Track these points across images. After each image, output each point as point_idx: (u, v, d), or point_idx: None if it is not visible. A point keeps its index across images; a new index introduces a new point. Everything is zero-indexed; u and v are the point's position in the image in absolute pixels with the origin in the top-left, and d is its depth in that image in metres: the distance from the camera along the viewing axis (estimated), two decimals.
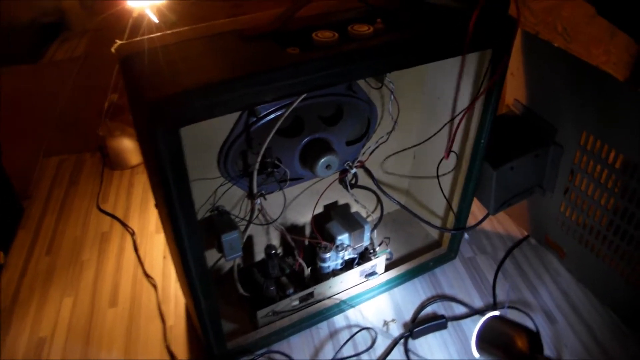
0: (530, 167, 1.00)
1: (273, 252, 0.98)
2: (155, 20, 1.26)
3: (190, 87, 0.61)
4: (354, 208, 1.13)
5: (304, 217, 1.07)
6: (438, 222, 1.10)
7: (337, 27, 0.76)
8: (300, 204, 1.05)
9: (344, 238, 1.00)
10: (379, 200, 1.12)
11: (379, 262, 1.02)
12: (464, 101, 0.94)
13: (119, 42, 0.77)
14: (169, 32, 0.77)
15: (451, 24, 0.77)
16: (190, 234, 0.73)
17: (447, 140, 1.01)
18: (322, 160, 0.89)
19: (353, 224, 1.01)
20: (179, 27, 0.80)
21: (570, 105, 0.95)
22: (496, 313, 0.84)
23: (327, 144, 0.92)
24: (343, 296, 1.01)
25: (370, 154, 1.02)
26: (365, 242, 1.04)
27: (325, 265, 0.98)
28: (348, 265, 1.02)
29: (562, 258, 1.12)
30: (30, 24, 2.26)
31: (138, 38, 0.77)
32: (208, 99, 0.62)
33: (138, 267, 1.14)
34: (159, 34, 0.78)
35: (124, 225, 1.25)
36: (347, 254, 1.00)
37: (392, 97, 0.92)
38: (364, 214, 1.14)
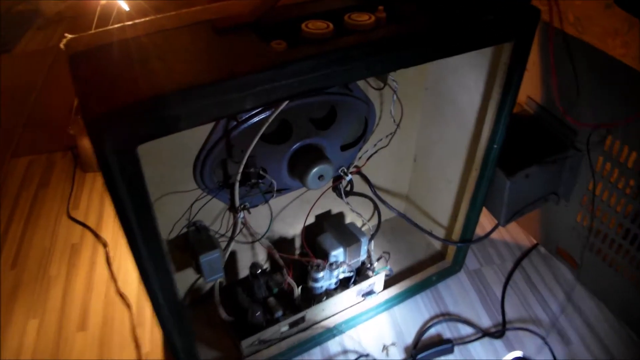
0: (547, 174, 0.87)
1: (259, 271, 0.85)
2: (126, 7, 1.10)
3: (145, 98, 0.47)
4: (349, 216, 0.99)
5: (293, 228, 0.94)
6: (441, 232, 0.97)
7: (331, 16, 0.61)
8: (289, 215, 0.91)
9: (338, 253, 0.86)
10: (376, 208, 0.99)
11: (377, 279, 0.89)
12: (474, 99, 0.80)
13: (68, 36, 0.62)
14: (128, 23, 0.62)
15: (466, 13, 0.63)
16: (158, 269, 0.59)
17: (451, 142, 0.87)
18: (314, 170, 0.74)
19: (348, 237, 0.88)
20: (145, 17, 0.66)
21: (593, 106, 0.82)
22: (518, 354, 0.71)
23: (319, 151, 0.77)
24: (338, 319, 0.88)
25: (368, 159, 0.88)
26: (362, 257, 0.90)
27: (318, 285, 0.85)
28: (343, 283, 0.89)
29: (574, 269, 0.99)
30: (6, 12, 2.08)
31: (91, 32, 0.62)
32: (168, 112, 0.48)
33: (111, 284, 1.00)
34: (116, 25, 0.63)
35: (96, 236, 1.10)
36: (342, 272, 0.87)
37: (395, 96, 0.77)
38: (359, 223, 1.01)
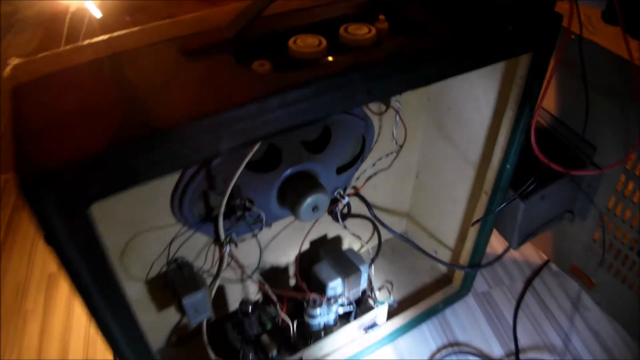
0: (563, 192, 0.77)
1: (250, 308, 0.74)
2: (98, 14, 0.98)
3: (95, 150, 0.36)
4: (346, 239, 0.89)
5: (286, 256, 0.83)
6: (447, 254, 0.87)
7: (324, 28, 0.50)
8: (281, 243, 0.80)
9: (336, 284, 0.76)
10: (376, 228, 0.88)
11: (380, 311, 0.79)
12: (483, 114, 0.69)
13: (15, 60, 0.51)
14: (84, 43, 0.51)
15: (481, 22, 0.52)
16: (126, 336, 0.48)
17: (457, 160, 0.77)
18: (307, 202, 0.64)
19: (347, 265, 0.77)
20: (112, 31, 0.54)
21: (615, 119, 0.71)
22: None
23: (312, 179, 0.67)
24: (338, 357, 0.78)
25: (367, 180, 0.78)
26: (362, 286, 0.80)
27: (315, 322, 0.75)
28: (343, 316, 0.79)
29: (589, 289, 0.90)
30: None
31: (41, 55, 0.50)
32: (123, 165, 0.37)
33: (92, 320, 0.89)
34: (69, 47, 0.51)
35: None
36: (342, 306, 0.77)
37: (398, 117, 0.67)
38: (358, 245, 0.90)
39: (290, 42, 0.48)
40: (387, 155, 0.76)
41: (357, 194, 0.80)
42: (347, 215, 0.80)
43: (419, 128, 0.82)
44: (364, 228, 0.88)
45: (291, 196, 0.65)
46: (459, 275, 0.86)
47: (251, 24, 0.48)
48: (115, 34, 0.53)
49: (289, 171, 0.65)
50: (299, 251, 0.81)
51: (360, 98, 0.46)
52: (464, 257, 0.82)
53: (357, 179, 0.79)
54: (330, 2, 0.56)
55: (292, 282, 0.87)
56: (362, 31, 0.50)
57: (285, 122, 0.42)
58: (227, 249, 0.70)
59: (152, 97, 0.41)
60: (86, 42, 0.51)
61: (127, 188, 0.38)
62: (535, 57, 0.58)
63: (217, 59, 0.45)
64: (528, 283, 0.93)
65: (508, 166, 0.69)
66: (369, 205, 0.81)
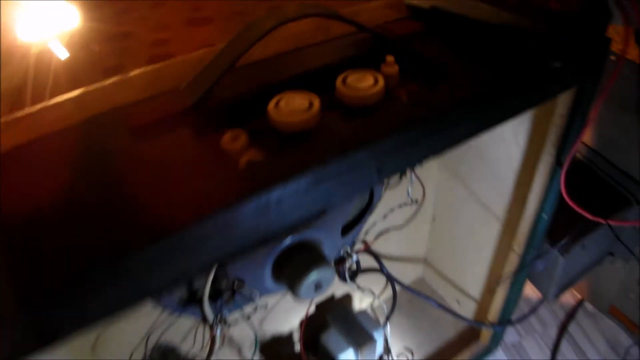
0: (605, 237, 0.63)
1: None
2: (63, 54, 0.84)
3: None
4: (356, 296, 0.76)
5: (289, 322, 0.70)
6: (472, 307, 0.73)
7: (315, 82, 0.37)
8: (283, 310, 0.67)
9: (347, 356, 0.63)
10: (390, 281, 0.75)
11: None
12: (512, 155, 0.56)
13: None
14: (14, 117, 0.38)
15: (519, 59, 0.39)
16: None
17: (480, 203, 0.64)
18: (308, 280, 0.51)
19: (358, 333, 0.64)
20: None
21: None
22: None
23: (313, 249, 0.53)
24: None
25: (378, 236, 0.64)
26: (378, 353, 0.67)
27: None
28: None
29: (633, 332, 0.76)
30: None
31: None
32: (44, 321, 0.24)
33: None
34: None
35: None
36: None
37: (413, 176, 0.53)
38: (370, 299, 0.77)
39: (271, 105, 0.34)
40: (399, 206, 0.63)
41: (367, 249, 0.67)
42: (357, 271, 0.67)
43: (433, 165, 0.68)
44: (376, 279, 0.75)
45: (288, 273, 0.52)
46: (487, 329, 0.72)
47: (216, 84, 0.35)
48: (52, 101, 0.40)
49: (285, 243, 0.52)
50: (305, 316, 0.68)
51: (367, 180, 0.33)
52: (493, 312, 0.68)
53: (367, 232, 0.65)
54: (324, 43, 0.43)
55: (298, 347, 0.74)
56: (365, 82, 0.36)
57: (264, 231, 0.29)
58: (218, 329, 0.57)
59: (80, 215, 0.28)
60: (13, 117, 0.39)
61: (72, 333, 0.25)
62: (580, 92, 0.45)
63: (176, 134, 0.32)
64: (563, 328, 0.79)
65: (544, 216, 0.55)
66: (380, 262, 0.68)
